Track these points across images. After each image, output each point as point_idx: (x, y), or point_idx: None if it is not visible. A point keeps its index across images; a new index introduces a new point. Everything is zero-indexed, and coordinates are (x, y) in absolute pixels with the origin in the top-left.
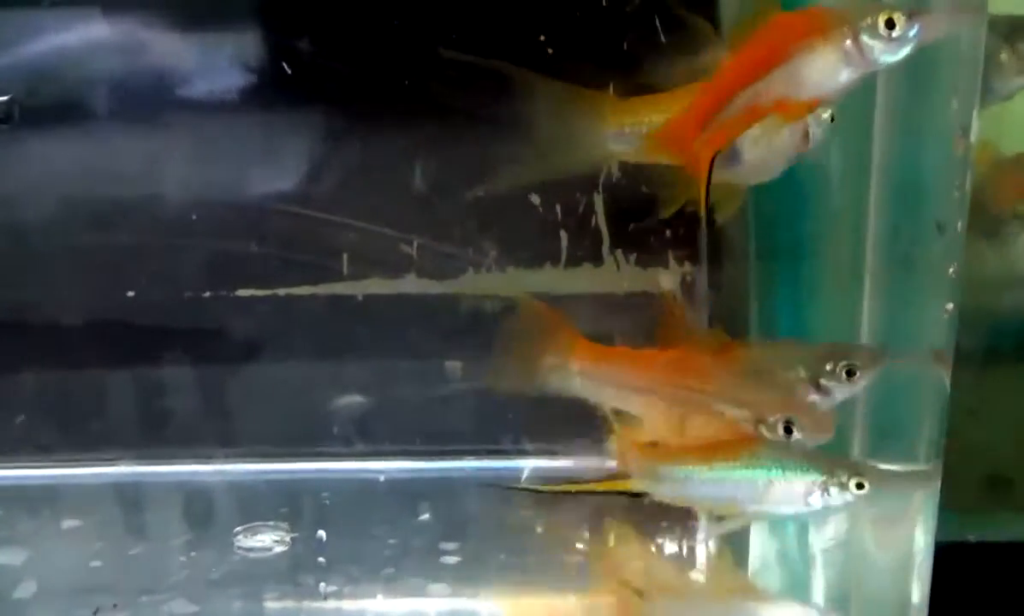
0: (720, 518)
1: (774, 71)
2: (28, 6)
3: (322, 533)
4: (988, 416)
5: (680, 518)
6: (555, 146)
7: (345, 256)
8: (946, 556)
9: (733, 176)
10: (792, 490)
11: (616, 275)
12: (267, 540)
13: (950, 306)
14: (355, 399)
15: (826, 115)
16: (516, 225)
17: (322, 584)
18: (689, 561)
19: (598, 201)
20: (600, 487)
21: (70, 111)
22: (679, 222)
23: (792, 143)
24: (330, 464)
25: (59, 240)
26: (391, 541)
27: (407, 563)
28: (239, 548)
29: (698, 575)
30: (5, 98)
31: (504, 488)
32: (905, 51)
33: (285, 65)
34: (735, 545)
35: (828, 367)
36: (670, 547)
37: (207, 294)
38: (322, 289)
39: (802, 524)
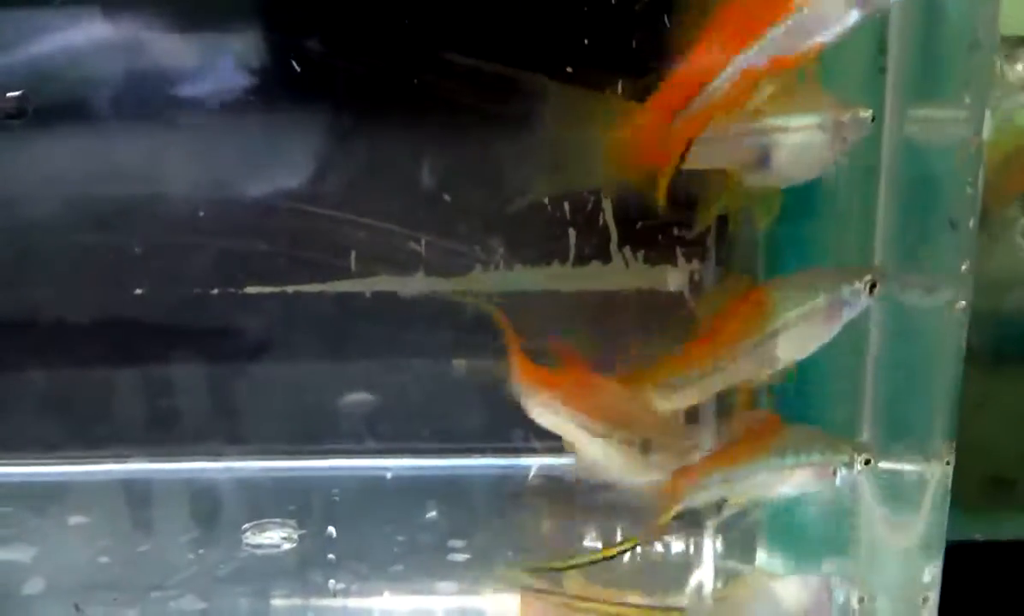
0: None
1: (772, 29)
2: (39, 4)
3: (331, 530)
4: (994, 414)
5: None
6: (574, 156)
7: (353, 253)
8: (952, 555)
9: (764, 179)
10: (813, 472)
11: (624, 273)
12: (275, 537)
13: (962, 303)
14: (363, 396)
15: (866, 114)
16: (524, 222)
17: (331, 581)
18: (696, 559)
19: (605, 201)
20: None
21: (79, 109)
22: (688, 220)
23: (827, 142)
24: (338, 461)
25: (67, 238)
26: (399, 538)
27: (415, 561)
28: (247, 545)
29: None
30: (17, 93)
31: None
32: None
33: (294, 63)
34: (742, 539)
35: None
36: (677, 546)
37: (215, 292)
38: (330, 286)
39: (811, 515)
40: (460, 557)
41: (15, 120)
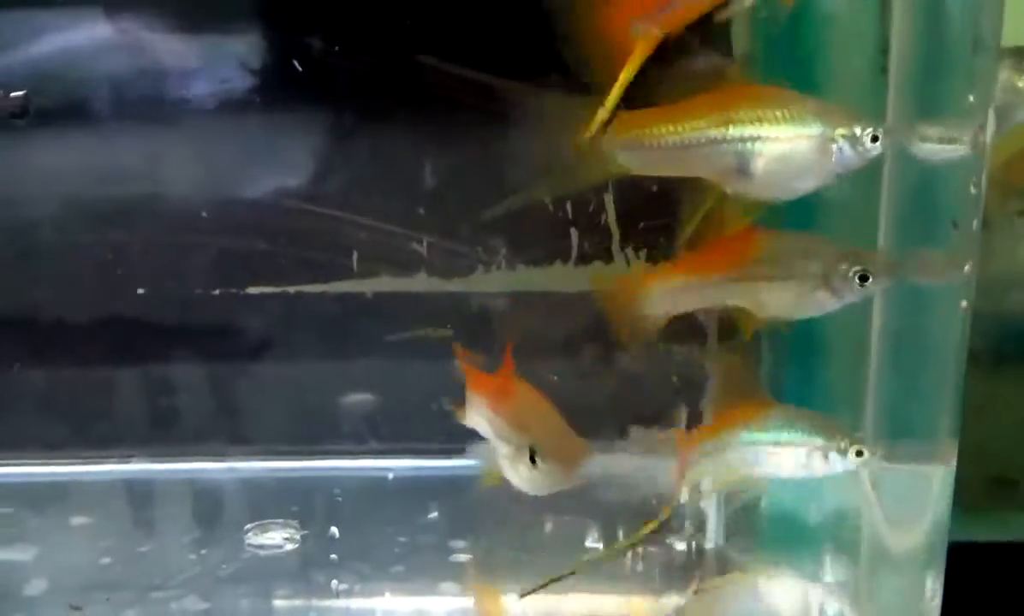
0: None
1: None
2: (40, 5)
3: (334, 530)
4: (995, 416)
5: (690, 515)
6: (561, 161)
7: (355, 254)
8: (953, 557)
9: (746, 191)
10: (795, 454)
11: (626, 272)
12: (277, 537)
13: (964, 304)
14: (365, 397)
15: (865, 132)
16: (526, 223)
17: (333, 581)
18: (699, 560)
19: (608, 199)
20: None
21: (81, 109)
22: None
23: (811, 156)
24: (340, 462)
25: (69, 237)
26: (401, 539)
27: (416, 561)
28: (249, 545)
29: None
30: (20, 93)
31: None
32: None
33: (296, 63)
34: (744, 536)
35: (842, 267)
36: (679, 545)
37: (217, 292)
38: (332, 287)
39: (813, 516)
40: (461, 558)
41: (18, 120)
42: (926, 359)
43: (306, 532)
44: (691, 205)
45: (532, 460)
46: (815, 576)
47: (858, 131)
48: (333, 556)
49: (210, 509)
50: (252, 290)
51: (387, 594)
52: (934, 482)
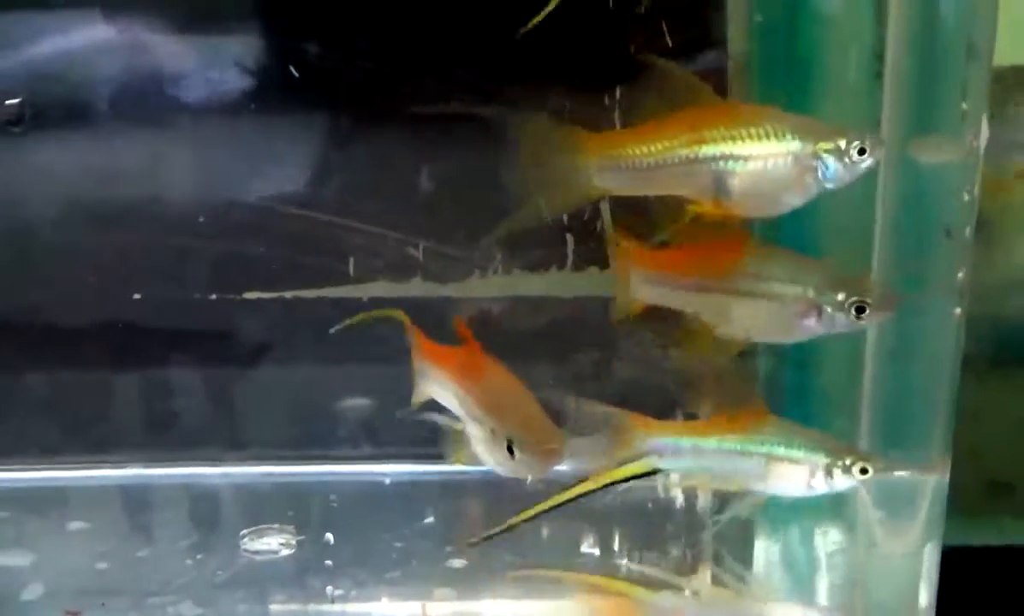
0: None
1: None
2: (36, 8)
3: (329, 536)
4: (990, 420)
5: (685, 524)
6: (540, 186)
7: (351, 259)
8: (949, 560)
9: (725, 208)
10: (797, 470)
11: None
12: (274, 543)
13: (957, 311)
14: (361, 402)
15: (852, 145)
16: (522, 228)
17: (329, 587)
18: (693, 568)
19: (603, 205)
20: (615, 476)
21: (78, 113)
22: None
23: (792, 176)
24: (336, 467)
25: (66, 242)
26: (397, 544)
27: (413, 566)
28: (246, 551)
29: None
30: (16, 101)
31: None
32: None
33: (292, 69)
34: (739, 550)
35: (840, 297)
36: (675, 552)
37: (214, 296)
38: (328, 291)
39: (807, 528)
40: (458, 563)
41: (14, 127)
42: (921, 367)
43: (302, 537)
44: (668, 214)
45: (510, 450)
46: (806, 584)
47: (843, 145)
48: (328, 562)
49: (206, 514)
50: (249, 295)
51: (384, 599)
52: (928, 489)
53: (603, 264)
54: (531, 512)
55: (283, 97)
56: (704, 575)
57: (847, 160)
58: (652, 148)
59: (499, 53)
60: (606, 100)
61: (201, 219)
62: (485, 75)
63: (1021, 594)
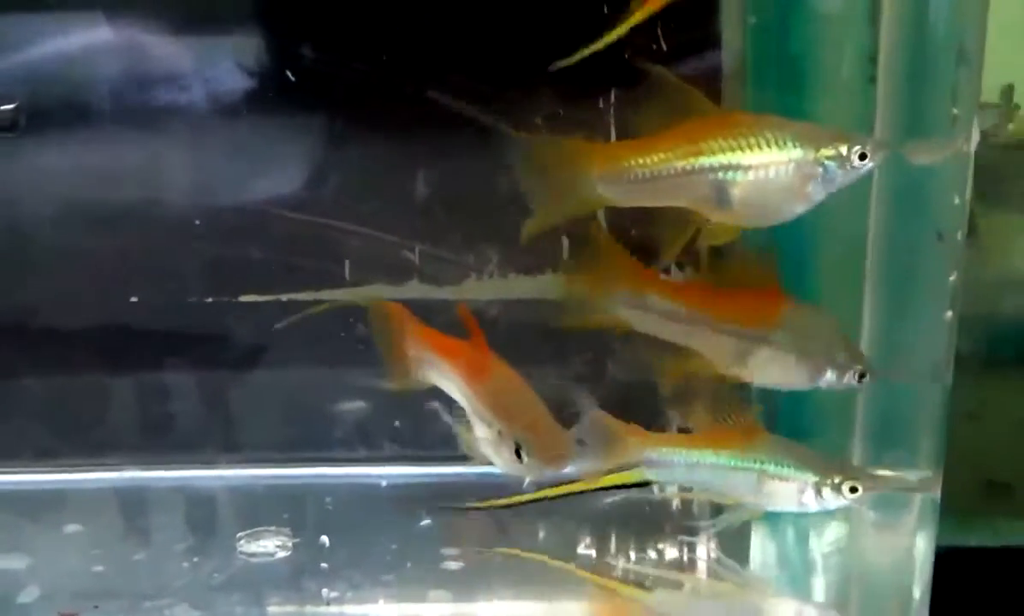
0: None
1: None
2: (32, 10)
3: (324, 539)
4: (987, 420)
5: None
6: (546, 198)
7: (347, 261)
8: (944, 561)
9: (728, 218)
10: (786, 487)
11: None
12: (269, 545)
13: (949, 314)
14: (357, 404)
15: (853, 150)
16: (517, 231)
17: (325, 590)
18: (690, 566)
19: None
20: (607, 482)
21: (74, 116)
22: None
23: (794, 184)
24: (332, 469)
25: (62, 245)
26: (392, 547)
27: (408, 569)
28: (241, 553)
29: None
30: (11, 106)
31: (508, 504)
32: None
33: (288, 72)
34: (735, 548)
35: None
36: (671, 552)
37: (210, 299)
38: (324, 294)
39: (802, 528)
40: (453, 565)
41: (9, 133)
42: (913, 371)
43: (298, 540)
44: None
45: (517, 454)
46: (802, 584)
47: (844, 150)
48: (324, 564)
49: (203, 517)
50: (245, 298)
51: (380, 602)
52: (921, 494)
53: None
54: (520, 498)
55: (280, 100)
56: (701, 572)
57: (848, 166)
58: (655, 159)
59: (493, 57)
60: (601, 103)
61: (198, 222)
62: (479, 79)
63: (1017, 596)
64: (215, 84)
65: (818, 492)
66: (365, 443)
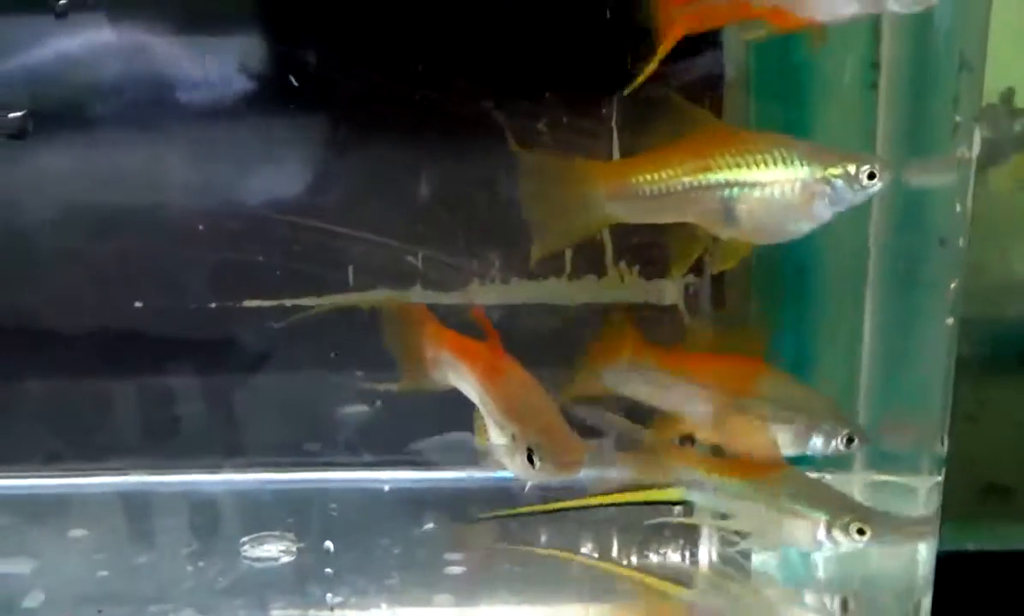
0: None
1: None
2: (38, 15)
3: (329, 543)
4: (987, 424)
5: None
6: (555, 218)
7: (351, 267)
8: (945, 565)
9: (735, 235)
10: (798, 525)
11: (620, 287)
12: (274, 550)
13: (950, 320)
14: (361, 409)
15: (862, 168)
16: (520, 237)
17: (329, 594)
18: (692, 569)
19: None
20: (638, 497)
21: (78, 121)
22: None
23: (801, 202)
24: (336, 474)
25: (66, 250)
26: (396, 551)
27: (412, 573)
28: (246, 558)
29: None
30: (19, 114)
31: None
32: None
33: (292, 77)
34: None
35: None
36: (673, 556)
37: (214, 304)
38: (328, 300)
39: None
40: (456, 570)
41: (17, 140)
42: (915, 377)
43: (302, 545)
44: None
45: (530, 458)
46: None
47: (852, 170)
48: (328, 569)
49: (207, 521)
50: (249, 303)
51: (383, 606)
52: (922, 490)
53: (600, 272)
54: (553, 506)
55: (283, 106)
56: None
57: (857, 185)
58: (663, 175)
59: (497, 64)
60: (603, 111)
61: (201, 227)
62: (484, 85)
63: (1019, 600)
64: (219, 89)
65: (828, 531)
66: (368, 447)
